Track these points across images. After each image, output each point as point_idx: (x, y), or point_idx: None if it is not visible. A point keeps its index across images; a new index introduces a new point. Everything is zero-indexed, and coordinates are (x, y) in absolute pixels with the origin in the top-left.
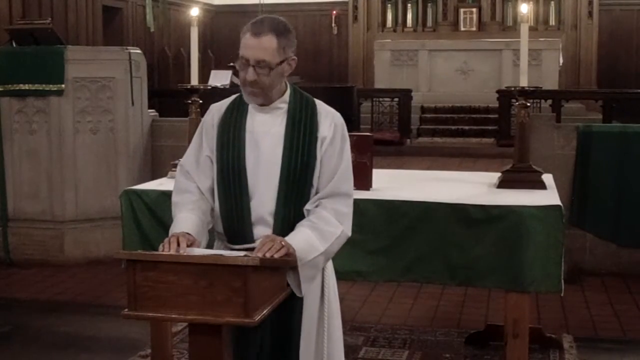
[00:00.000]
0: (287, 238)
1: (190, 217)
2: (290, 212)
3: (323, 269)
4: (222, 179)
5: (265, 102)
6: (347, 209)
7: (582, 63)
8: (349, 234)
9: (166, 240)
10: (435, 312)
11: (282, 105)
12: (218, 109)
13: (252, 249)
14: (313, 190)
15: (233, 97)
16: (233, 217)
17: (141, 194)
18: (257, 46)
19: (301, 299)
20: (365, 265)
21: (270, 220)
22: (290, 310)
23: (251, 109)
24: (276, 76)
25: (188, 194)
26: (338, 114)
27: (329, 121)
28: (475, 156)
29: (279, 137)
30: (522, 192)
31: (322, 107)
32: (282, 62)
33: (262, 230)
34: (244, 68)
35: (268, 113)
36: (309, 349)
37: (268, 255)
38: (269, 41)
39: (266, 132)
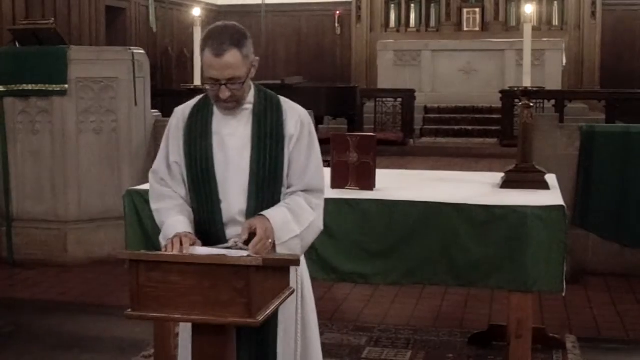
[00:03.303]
0: (264, 212)
1: (183, 220)
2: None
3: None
4: (192, 182)
5: (238, 107)
6: (319, 201)
7: (586, 63)
8: (321, 226)
9: (168, 240)
10: (439, 313)
11: (247, 106)
12: (182, 111)
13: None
14: (283, 189)
15: (197, 98)
16: (205, 219)
17: (144, 194)
18: (223, 66)
19: None
20: (369, 267)
21: (242, 220)
22: None
23: (216, 110)
24: (247, 84)
25: (169, 199)
26: (304, 111)
27: (295, 119)
28: (478, 156)
29: (246, 139)
30: (526, 192)
31: (287, 104)
32: (249, 70)
33: (234, 231)
34: (215, 87)
35: (234, 115)
36: (287, 347)
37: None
38: (233, 56)
39: (233, 134)
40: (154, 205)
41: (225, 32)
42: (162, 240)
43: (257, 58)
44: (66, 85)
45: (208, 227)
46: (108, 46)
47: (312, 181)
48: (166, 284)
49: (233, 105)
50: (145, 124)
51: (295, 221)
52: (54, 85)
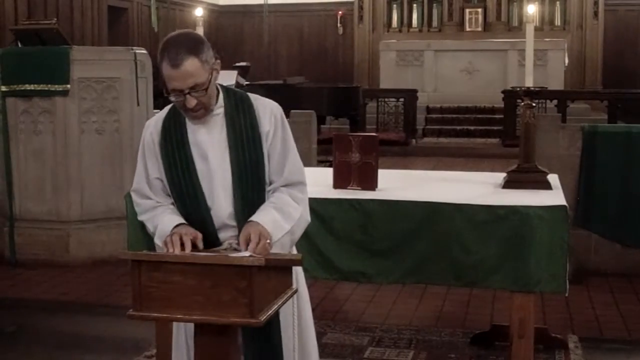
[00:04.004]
0: (253, 218)
1: (177, 218)
2: (250, 213)
3: None
4: (177, 195)
5: (207, 114)
6: (303, 195)
7: (588, 63)
8: (308, 219)
9: (168, 238)
10: (441, 313)
11: (219, 110)
12: (155, 125)
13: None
14: (267, 186)
15: (167, 109)
16: (196, 227)
17: None
18: (183, 76)
19: None
20: (370, 266)
21: (232, 223)
22: None
23: (188, 120)
24: (212, 89)
25: (157, 207)
26: (275, 104)
27: (268, 114)
28: (480, 156)
29: (224, 143)
30: (528, 192)
31: (258, 101)
32: (211, 74)
33: (227, 234)
34: (179, 97)
35: (207, 122)
36: (287, 342)
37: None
38: (191, 65)
39: (210, 142)
40: (142, 217)
41: (179, 41)
42: (159, 240)
43: (219, 61)
44: (68, 85)
45: (200, 233)
46: (110, 46)
47: (291, 175)
48: (168, 284)
49: (202, 112)
50: None
51: (284, 219)
52: (56, 85)
